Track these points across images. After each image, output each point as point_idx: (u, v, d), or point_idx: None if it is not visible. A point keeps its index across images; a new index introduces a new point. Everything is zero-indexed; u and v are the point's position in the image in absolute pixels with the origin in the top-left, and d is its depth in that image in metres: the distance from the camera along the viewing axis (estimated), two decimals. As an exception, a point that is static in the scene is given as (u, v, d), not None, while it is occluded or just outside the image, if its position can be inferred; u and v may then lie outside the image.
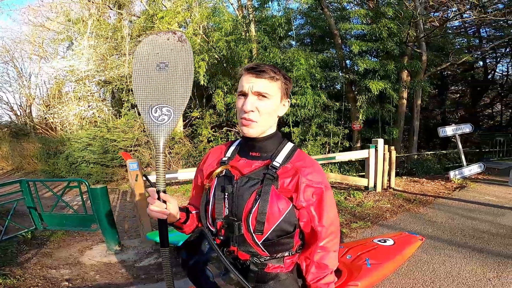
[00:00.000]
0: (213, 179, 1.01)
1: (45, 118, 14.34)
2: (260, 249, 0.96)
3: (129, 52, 9.39)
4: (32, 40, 16.56)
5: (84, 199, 3.81)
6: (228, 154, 1.08)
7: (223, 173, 1.01)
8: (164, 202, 0.93)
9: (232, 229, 0.96)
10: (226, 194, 0.97)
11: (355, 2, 8.90)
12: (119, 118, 9.43)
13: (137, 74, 0.99)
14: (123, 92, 10.07)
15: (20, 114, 19.35)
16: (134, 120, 8.64)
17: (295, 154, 1.01)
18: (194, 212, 1.12)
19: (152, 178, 3.99)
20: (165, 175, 0.95)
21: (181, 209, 1.06)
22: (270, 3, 7.93)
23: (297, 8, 9.09)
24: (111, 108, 11.54)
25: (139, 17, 9.06)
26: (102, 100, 12.09)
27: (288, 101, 1.04)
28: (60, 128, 12.91)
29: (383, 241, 2.16)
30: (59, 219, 4.00)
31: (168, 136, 0.96)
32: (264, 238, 0.94)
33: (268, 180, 0.94)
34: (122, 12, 10.03)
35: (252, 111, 0.92)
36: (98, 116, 10.71)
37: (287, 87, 1.00)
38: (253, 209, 0.92)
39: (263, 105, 0.93)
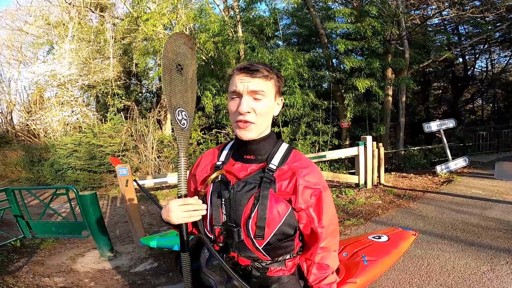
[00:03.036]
0: (208, 185, 0.99)
1: (27, 124, 13.91)
2: (262, 254, 0.95)
3: (113, 56, 9.21)
4: (10, 44, 16.05)
5: (73, 206, 3.71)
6: (222, 158, 1.06)
7: (219, 179, 0.99)
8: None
9: (231, 235, 0.95)
10: (223, 200, 0.95)
11: (340, 1, 9.01)
12: (105, 123, 9.23)
13: (165, 73, 0.98)
14: (108, 96, 9.87)
15: (1, 121, 18.72)
16: (121, 124, 8.47)
17: (291, 155, 1.01)
18: None
19: (145, 182, 3.92)
20: (186, 180, 0.95)
21: None
22: (257, 3, 7.92)
23: (283, 8, 9.14)
24: (96, 113, 11.29)
25: (123, 20, 8.89)
26: (86, 105, 11.81)
27: (282, 100, 1.03)
28: (44, 135, 12.56)
29: (377, 237, 2.19)
30: (48, 227, 3.88)
31: (187, 140, 0.96)
32: (265, 243, 0.93)
33: (266, 183, 0.93)
34: (104, 15, 9.83)
35: (248, 112, 0.90)
36: (83, 121, 10.46)
37: (280, 85, 0.99)
38: (252, 215, 0.91)
39: (260, 105, 0.91)
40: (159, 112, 9.25)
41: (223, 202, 0.95)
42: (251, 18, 8.08)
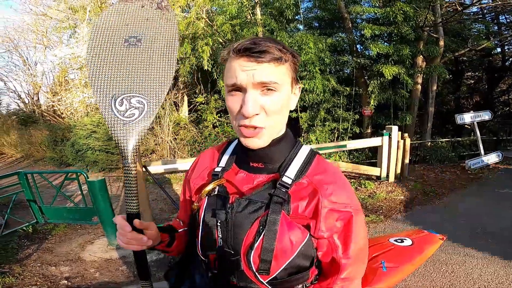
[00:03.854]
0: (202, 198, 0.76)
1: (52, 105, 14.32)
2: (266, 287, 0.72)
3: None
4: (35, 29, 16.43)
5: (86, 192, 3.66)
6: (222, 163, 0.82)
7: (215, 192, 0.75)
8: (140, 231, 0.71)
9: (228, 264, 0.73)
10: (219, 221, 0.73)
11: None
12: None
13: (95, 52, 0.73)
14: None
15: (28, 102, 19.46)
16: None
17: (313, 163, 0.75)
18: (181, 230, 0.90)
19: (153, 168, 3.82)
20: (137, 194, 0.71)
21: (162, 229, 0.85)
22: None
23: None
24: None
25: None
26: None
27: (299, 87, 0.76)
28: (66, 115, 12.89)
29: (400, 240, 1.96)
30: (59, 212, 3.89)
31: (140, 138, 0.70)
32: (271, 277, 0.70)
33: (277, 204, 0.68)
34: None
35: (256, 114, 0.65)
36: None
37: (296, 68, 0.72)
38: (256, 244, 0.67)
39: (271, 101, 0.65)
40: (176, 94, 9.16)
41: (218, 224, 0.73)
42: (270, 0, 7.70)
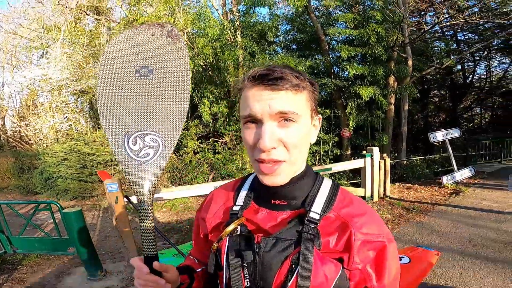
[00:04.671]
0: (223, 238, 0.70)
1: (19, 130, 13.55)
2: None
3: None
4: (4, 48, 15.74)
5: (59, 221, 3.40)
6: (240, 200, 0.76)
7: (237, 232, 0.70)
8: (159, 273, 0.65)
9: None
10: (245, 262, 0.67)
11: (341, 8, 8.87)
12: (98, 130, 8.91)
13: (106, 85, 0.68)
14: (102, 102, 9.57)
15: (-7, 126, 18.31)
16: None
17: (338, 196, 0.71)
18: (199, 270, 0.83)
19: (135, 198, 3.61)
20: (155, 237, 0.65)
21: (181, 269, 0.78)
22: (257, 7, 7.75)
23: (283, 13, 8.98)
24: (89, 120, 10.96)
25: (119, 23, 8.65)
26: (79, 111, 11.47)
27: (319, 118, 0.72)
28: (35, 142, 12.21)
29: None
30: (30, 243, 3.63)
31: (156, 179, 0.64)
32: None
33: (308, 241, 0.63)
34: (101, 18, 9.59)
35: (274, 147, 0.61)
36: (75, 129, 10.12)
37: (316, 97, 0.68)
38: (289, 283, 0.63)
39: (290, 133, 0.61)
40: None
41: (245, 265, 0.67)
42: (251, 23, 7.88)
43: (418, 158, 8.49)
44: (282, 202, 0.70)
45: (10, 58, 15.80)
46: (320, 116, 0.73)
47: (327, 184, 0.73)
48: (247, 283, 0.67)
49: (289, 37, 9.56)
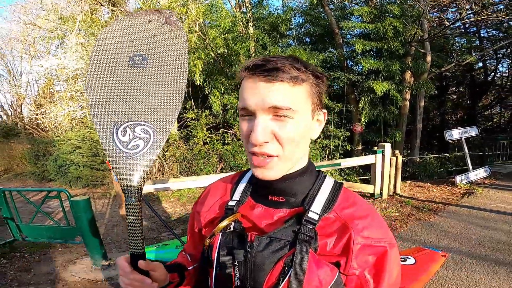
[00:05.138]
0: (215, 234, 0.67)
1: (35, 118, 13.91)
2: None
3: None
4: (23, 38, 16.10)
5: (68, 209, 3.47)
6: (236, 196, 0.72)
7: (231, 228, 0.67)
8: (145, 272, 0.62)
9: None
10: (236, 261, 0.64)
11: (356, 1, 8.63)
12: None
13: (95, 73, 0.64)
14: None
15: (11, 113, 18.87)
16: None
17: (340, 196, 0.67)
18: (191, 267, 0.80)
19: (145, 188, 3.63)
20: (142, 234, 0.61)
21: (170, 267, 0.74)
22: (270, 0, 7.63)
23: (296, 6, 8.81)
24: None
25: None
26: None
27: (324, 113, 0.67)
28: (50, 129, 12.52)
29: (403, 259, 1.89)
30: (39, 231, 3.70)
31: (145, 173, 0.61)
32: None
33: (303, 243, 0.60)
34: (115, 9, 9.65)
35: (266, 142, 0.58)
36: (89, 117, 10.32)
37: (320, 92, 0.63)
38: (280, 286, 0.59)
39: (285, 128, 0.58)
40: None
41: (236, 263, 0.63)
42: (263, 15, 7.77)
43: (432, 156, 8.28)
44: (280, 199, 0.67)
45: (28, 48, 16.18)
46: (325, 111, 0.68)
47: (329, 182, 0.69)
48: (237, 282, 0.64)
49: (303, 30, 9.40)
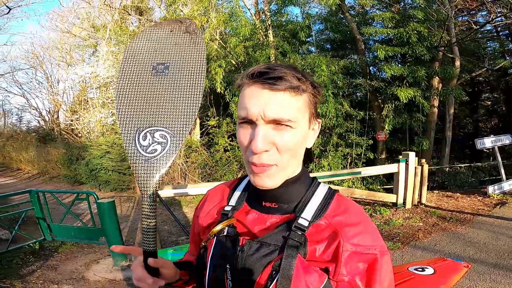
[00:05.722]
0: (210, 238, 0.70)
1: (70, 124, 14.70)
2: None
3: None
4: (60, 46, 17.14)
5: (95, 211, 3.66)
6: (233, 201, 0.75)
7: (224, 232, 0.69)
8: (155, 270, 0.65)
9: None
10: (228, 264, 0.67)
11: (378, 7, 8.47)
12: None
13: (124, 82, 0.70)
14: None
15: (48, 119, 20.13)
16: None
17: (332, 203, 0.68)
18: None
19: (165, 192, 3.75)
20: (155, 232, 0.65)
21: (181, 265, 0.78)
22: (289, 7, 7.69)
23: (316, 13, 8.80)
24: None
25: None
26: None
27: (319, 122, 0.69)
28: (83, 135, 13.20)
29: (420, 269, 1.81)
30: (67, 231, 3.94)
31: (160, 176, 0.65)
32: None
33: (292, 248, 0.61)
34: (142, 18, 10.13)
35: (266, 150, 0.59)
36: (119, 124, 10.85)
37: (317, 101, 0.65)
38: None
39: (285, 138, 0.60)
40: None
41: (228, 266, 0.66)
42: (283, 22, 7.82)
43: (462, 165, 7.88)
44: (273, 205, 0.69)
45: (65, 56, 17.22)
46: (320, 120, 0.70)
47: (322, 190, 0.70)
48: (229, 284, 0.66)
49: (323, 36, 9.33)
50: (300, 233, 0.62)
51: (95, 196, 3.53)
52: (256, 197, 0.71)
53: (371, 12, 8.17)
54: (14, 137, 21.88)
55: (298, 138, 0.61)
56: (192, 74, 0.72)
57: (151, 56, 0.73)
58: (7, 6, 8.65)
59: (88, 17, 12.24)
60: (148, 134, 0.66)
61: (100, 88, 11.68)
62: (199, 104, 0.70)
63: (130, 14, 9.94)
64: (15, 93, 22.83)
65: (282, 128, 0.59)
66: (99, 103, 12.08)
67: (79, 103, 14.11)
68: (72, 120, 14.41)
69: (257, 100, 0.58)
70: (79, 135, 13.95)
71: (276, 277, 0.59)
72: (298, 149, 0.64)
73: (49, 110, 20.37)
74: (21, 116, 25.54)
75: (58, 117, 19.32)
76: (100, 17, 11.85)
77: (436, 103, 7.67)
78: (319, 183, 0.72)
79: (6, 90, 20.91)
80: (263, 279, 0.62)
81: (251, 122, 0.61)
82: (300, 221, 0.64)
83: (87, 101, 13.51)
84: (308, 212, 0.65)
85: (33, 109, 21.46)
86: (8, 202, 4.87)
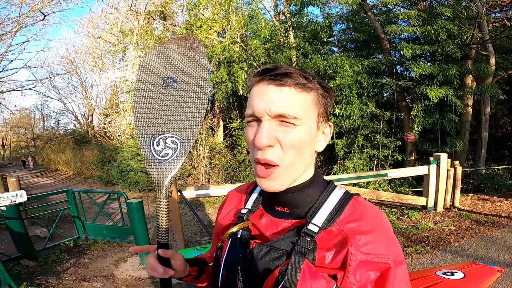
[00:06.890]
0: (225, 240, 0.73)
1: (103, 127, 15.47)
2: None
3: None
4: (92, 52, 18.03)
5: (126, 211, 3.83)
6: (249, 204, 0.77)
7: (238, 235, 0.71)
8: (167, 261, 0.70)
9: None
10: (240, 266, 0.69)
11: (402, 5, 8.16)
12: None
13: (139, 94, 0.79)
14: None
15: (83, 123, 21.31)
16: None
17: (347, 208, 0.65)
18: (211, 264, 0.86)
19: (188, 193, 3.86)
20: (168, 226, 0.72)
21: (193, 262, 0.82)
22: (309, 7, 7.61)
23: (338, 13, 8.65)
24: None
25: (180, 27, 9.36)
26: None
27: (330, 126, 0.68)
28: (115, 137, 13.83)
29: (449, 273, 1.71)
30: (99, 229, 4.14)
31: (173, 176, 0.72)
32: None
33: (299, 254, 0.61)
34: (166, 23, 10.45)
35: (270, 145, 0.59)
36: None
37: (327, 104, 0.64)
38: None
39: (289, 134, 0.59)
40: (212, 119, 9.44)
41: (239, 268, 0.68)
42: (303, 23, 7.76)
43: (500, 167, 7.40)
44: (285, 210, 0.69)
45: (97, 61, 18.13)
46: (331, 124, 0.70)
47: (337, 194, 0.68)
48: (241, 285, 0.67)
49: (345, 36, 9.10)
50: (309, 239, 0.61)
51: (125, 196, 3.70)
52: (269, 201, 0.72)
53: (395, 10, 7.90)
54: (52, 140, 23.42)
55: (303, 136, 0.61)
56: (198, 86, 0.78)
57: (161, 71, 0.80)
58: (41, 13, 9.22)
59: (117, 22, 12.79)
60: (161, 140, 0.73)
61: (129, 92, 12.19)
62: (204, 113, 0.76)
63: (154, 19, 10.31)
64: (53, 98, 24.46)
65: (287, 125, 0.59)
66: (129, 106, 12.60)
67: (111, 107, 14.80)
68: (104, 123, 15.14)
69: (263, 97, 0.59)
70: (111, 137, 14.63)
71: (282, 282, 0.59)
72: (304, 148, 0.62)
73: (84, 113, 21.55)
74: (58, 120, 27.33)
75: (92, 120, 20.38)
76: (127, 22, 12.35)
77: (470, 102, 7.26)
78: (335, 186, 0.71)
79: (45, 94, 22.49)
80: (270, 283, 0.62)
81: (258, 120, 0.61)
82: (310, 226, 0.63)
83: (118, 104, 14.14)
84: (320, 218, 0.64)
85: (69, 112, 22.83)
86: (46, 201, 5.21)
